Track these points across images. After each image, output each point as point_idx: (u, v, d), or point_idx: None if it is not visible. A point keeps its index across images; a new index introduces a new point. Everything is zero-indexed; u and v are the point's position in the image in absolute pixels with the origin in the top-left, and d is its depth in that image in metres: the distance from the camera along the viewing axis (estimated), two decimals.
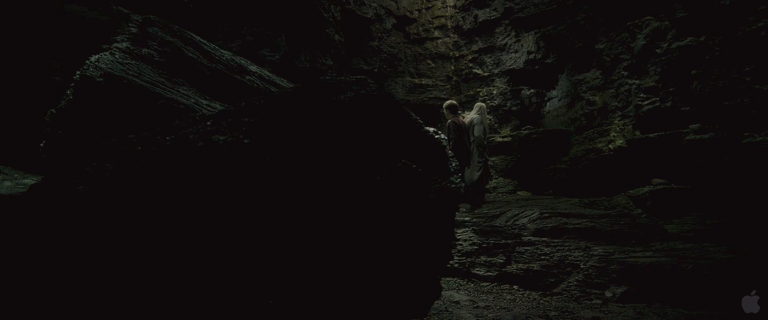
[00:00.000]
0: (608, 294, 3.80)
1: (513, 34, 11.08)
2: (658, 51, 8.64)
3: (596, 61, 9.67)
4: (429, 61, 12.45)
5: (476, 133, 7.97)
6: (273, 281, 1.36)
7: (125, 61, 4.05)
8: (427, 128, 1.89)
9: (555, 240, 4.79)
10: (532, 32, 10.67)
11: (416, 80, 12.36)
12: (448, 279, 5.11)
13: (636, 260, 3.96)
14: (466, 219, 5.81)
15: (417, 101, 12.33)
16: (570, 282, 4.13)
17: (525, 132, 10.44)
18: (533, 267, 4.57)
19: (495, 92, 11.31)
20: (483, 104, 8.33)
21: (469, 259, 5.22)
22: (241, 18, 9.14)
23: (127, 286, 1.43)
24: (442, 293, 4.26)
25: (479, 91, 11.67)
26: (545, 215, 5.32)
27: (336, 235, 1.43)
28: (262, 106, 1.72)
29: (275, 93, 1.85)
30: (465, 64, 12.00)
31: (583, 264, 4.18)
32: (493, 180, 10.84)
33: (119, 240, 1.49)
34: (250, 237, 1.54)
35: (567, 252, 4.49)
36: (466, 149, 6.90)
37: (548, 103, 10.78)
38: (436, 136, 1.86)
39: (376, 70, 11.75)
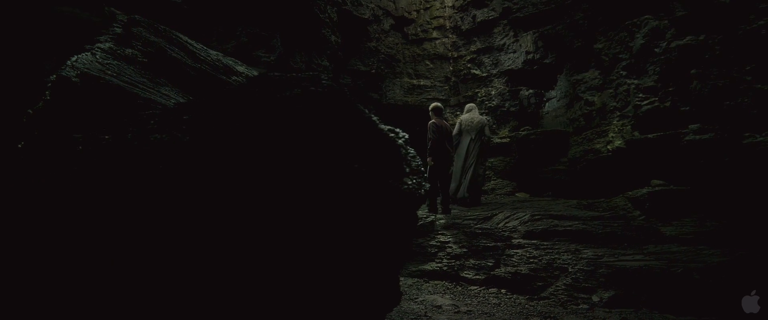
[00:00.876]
0: (595, 298, 3.69)
1: (511, 34, 10.98)
2: (656, 50, 8.50)
3: (595, 61, 9.55)
4: (427, 62, 12.37)
5: (487, 133, 8.14)
6: (192, 283, 1.29)
7: (105, 61, 3.98)
8: (383, 126, 1.80)
9: (545, 243, 4.68)
10: (531, 32, 10.57)
11: (414, 81, 12.28)
12: (436, 282, 5.02)
13: (625, 263, 3.85)
14: (456, 221, 5.72)
15: (415, 102, 12.25)
16: (558, 286, 4.02)
17: (523, 133, 10.33)
18: (521, 270, 4.46)
19: (493, 93, 11.21)
20: (475, 105, 8.49)
21: (458, 262, 5.13)
22: (236, 19, 9.10)
23: (46, 281, 1.36)
24: (427, 297, 4.16)
25: (478, 92, 11.57)
26: (536, 217, 5.22)
27: (269, 237, 1.35)
28: (204, 102, 1.64)
29: (221, 89, 1.77)
30: (463, 64, 11.90)
31: (572, 268, 4.07)
32: (492, 182, 10.73)
33: (43, 238, 1.43)
34: (184, 235, 1.46)
35: (556, 255, 4.38)
36: (446, 151, 6.84)
37: (547, 104, 10.66)
38: (392, 135, 1.78)
39: (373, 70, 11.68)
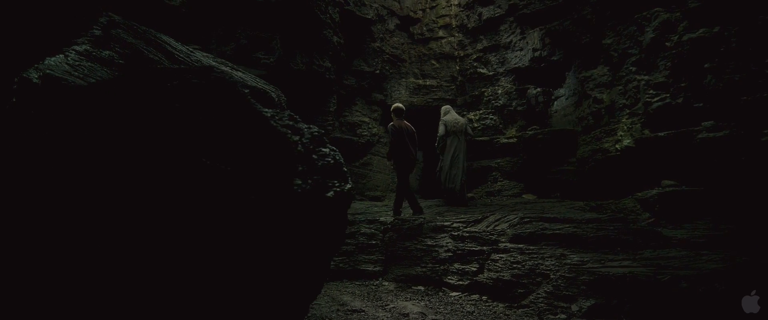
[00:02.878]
0: (574, 308, 3.44)
1: (518, 31, 10.67)
2: (668, 44, 8.08)
3: (604, 57, 9.16)
4: (433, 62, 12.15)
5: (470, 132, 8.41)
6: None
7: (77, 63, 3.93)
8: (277, 122, 1.64)
9: (531, 247, 4.43)
10: (538, 29, 10.24)
11: (420, 81, 12.08)
12: (418, 287, 4.83)
13: (609, 270, 3.58)
14: (446, 224, 5.51)
15: (421, 103, 12.04)
16: (539, 294, 3.78)
17: (530, 132, 10.00)
18: (504, 276, 4.23)
19: (500, 92, 10.91)
20: (451, 106, 8.85)
21: (442, 267, 4.92)
22: (235, 21, 9.09)
23: None
24: (398, 304, 3.98)
25: (484, 91, 11.29)
26: (526, 220, 4.96)
27: (111, 243, 1.21)
28: (69, 94, 1.52)
29: (90, 82, 1.65)
30: (470, 63, 11.64)
31: (553, 274, 3.82)
32: (498, 183, 10.42)
33: None
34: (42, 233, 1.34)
35: (540, 261, 4.13)
36: (406, 152, 6.65)
37: (556, 102, 10.29)
38: (283, 130, 1.62)
39: (377, 71, 11.54)
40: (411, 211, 6.58)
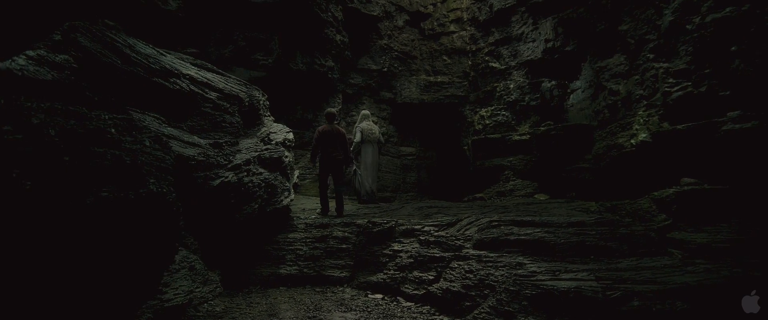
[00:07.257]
0: None
1: (530, 21, 10.04)
2: (688, 27, 7.27)
3: (620, 45, 8.40)
4: (445, 58, 11.70)
5: (382, 140, 8.94)
6: None
7: (25, 68, 3.94)
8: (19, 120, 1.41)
9: (491, 255, 3.99)
10: (550, 18, 9.57)
11: (431, 78, 11.65)
12: (375, 296, 4.51)
13: (557, 283, 3.11)
14: (417, 227, 5.14)
15: (432, 100, 11.62)
16: (483, 308, 3.37)
17: (543, 128, 9.35)
18: (454, 286, 3.83)
19: (512, 86, 10.31)
20: (368, 112, 9.15)
21: (402, 274, 4.57)
22: (233, 24, 9.10)
23: None
24: (330, 315, 3.69)
25: (496, 86, 10.72)
26: (494, 224, 4.50)
27: None
28: None
29: None
30: (481, 57, 11.10)
31: (499, 287, 3.39)
32: (510, 183, 9.83)
33: None
34: None
35: (493, 270, 3.70)
36: (329, 156, 6.69)
37: (572, 96, 9.58)
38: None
39: (385, 69, 11.23)
40: (378, 208, 6.72)
